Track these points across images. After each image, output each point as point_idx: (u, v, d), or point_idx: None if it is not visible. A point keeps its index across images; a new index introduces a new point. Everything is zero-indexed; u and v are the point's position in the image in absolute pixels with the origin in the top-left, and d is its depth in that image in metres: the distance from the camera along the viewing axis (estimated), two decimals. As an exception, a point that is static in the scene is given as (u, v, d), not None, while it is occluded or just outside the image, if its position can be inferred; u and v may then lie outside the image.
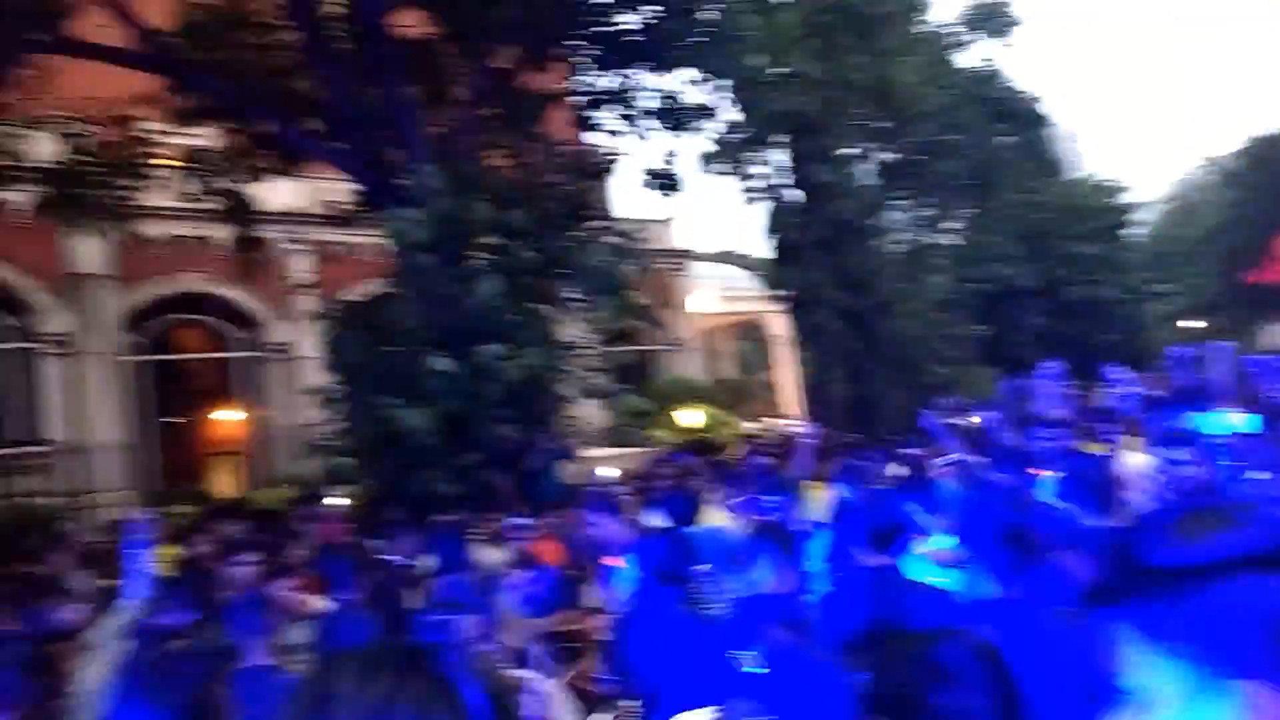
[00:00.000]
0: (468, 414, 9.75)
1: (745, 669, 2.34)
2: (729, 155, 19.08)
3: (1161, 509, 1.49)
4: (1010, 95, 25.77)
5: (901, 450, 7.69)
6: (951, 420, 8.29)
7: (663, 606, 3.26)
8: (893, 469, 6.15)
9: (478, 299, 9.83)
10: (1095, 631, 1.01)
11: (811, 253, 18.82)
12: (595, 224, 11.80)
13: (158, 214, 14.49)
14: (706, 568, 3.34)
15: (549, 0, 10.77)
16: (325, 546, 6.50)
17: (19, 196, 12.69)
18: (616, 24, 11.67)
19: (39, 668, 2.98)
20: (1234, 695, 0.92)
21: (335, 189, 15.03)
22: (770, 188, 19.83)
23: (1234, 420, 6.56)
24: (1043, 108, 27.72)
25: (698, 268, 25.43)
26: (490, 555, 5.88)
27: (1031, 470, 5.16)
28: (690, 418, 19.06)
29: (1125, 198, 29.25)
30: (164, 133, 11.98)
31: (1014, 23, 23.22)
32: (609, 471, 10.68)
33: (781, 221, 19.71)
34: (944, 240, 23.83)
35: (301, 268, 17.10)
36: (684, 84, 12.50)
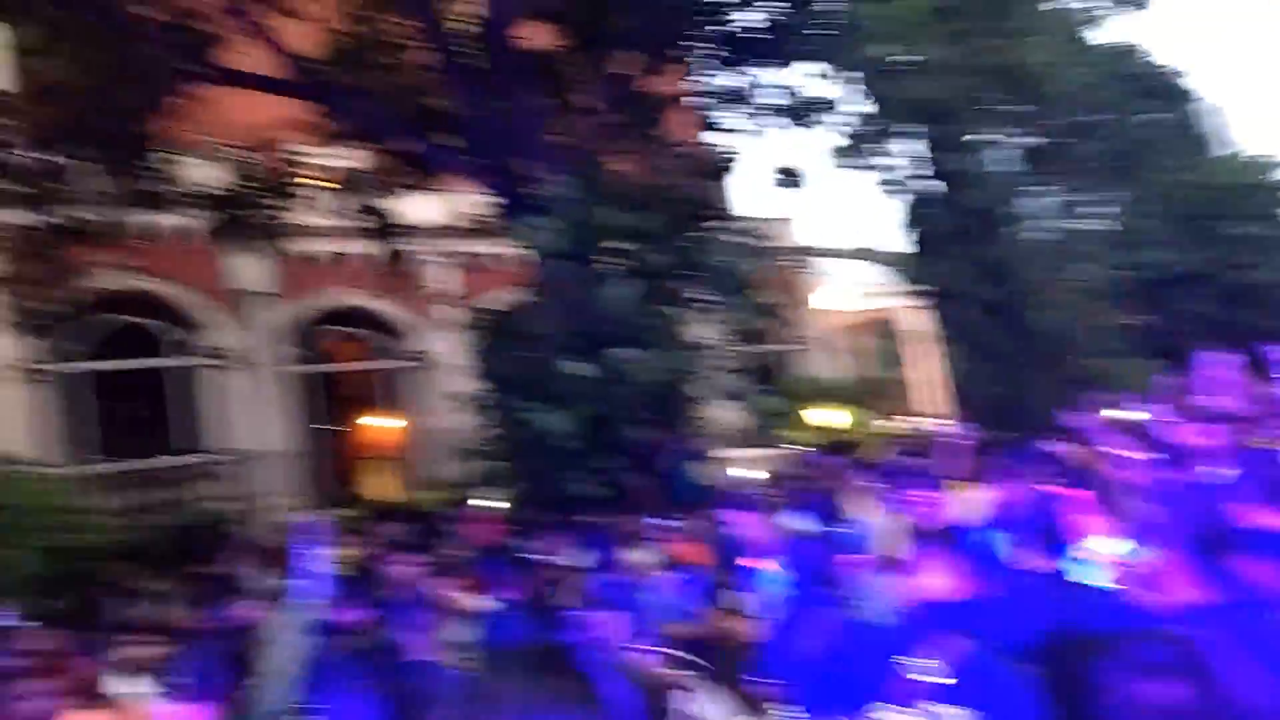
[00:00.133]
0: (605, 417, 9.92)
1: (921, 676, 2.31)
2: (861, 148, 18.73)
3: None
4: (1151, 71, 24.30)
5: (1056, 448, 7.38)
6: (1110, 415, 7.89)
7: (817, 609, 3.24)
8: (1050, 467, 5.91)
9: (609, 303, 9.99)
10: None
11: (952, 244, 18.27)
12: (718, 224, 11.82)
13: (312, 232, 15.40)
14: (861, 570, 3.30)
15: (669, 4, 10.86)
16: (481, 547, 6.74)
17: (183, 220, 13.66)
18: (736, 22, 11.67)
19: (230, 660, 3.22)
20: None
21: (475, 201, 15.58)
22: (907, 179, 19.36)
23: None
24: (1186, 82, 26.04)
25: (826, 265, 25.05)
26: (635, 556, 5.96)
27: (1202, 467, 4.88)
28: (828, 417, 18.79)
29: (1278, 174, 27.11)
30: (316, 155, 12.68)
31: (1149, -6, 21.88)
32: (747, 472, 10.66)
33: (920, 213, 19.21)
34: (1092, 226, 22.68)
35: (445, 279, 17.79)
36: (810, 78, 12.40)
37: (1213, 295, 23.10)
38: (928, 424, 18.82)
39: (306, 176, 12.66)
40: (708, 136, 13.04)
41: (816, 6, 11.27)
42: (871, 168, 19.29)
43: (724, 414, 13.57)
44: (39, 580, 7.48)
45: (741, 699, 3.44)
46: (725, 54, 11.94)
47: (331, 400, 17.55)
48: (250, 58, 10.85)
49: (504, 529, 7.97)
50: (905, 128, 18.96)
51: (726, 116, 12.47)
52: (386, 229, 13.40)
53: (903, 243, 20.41)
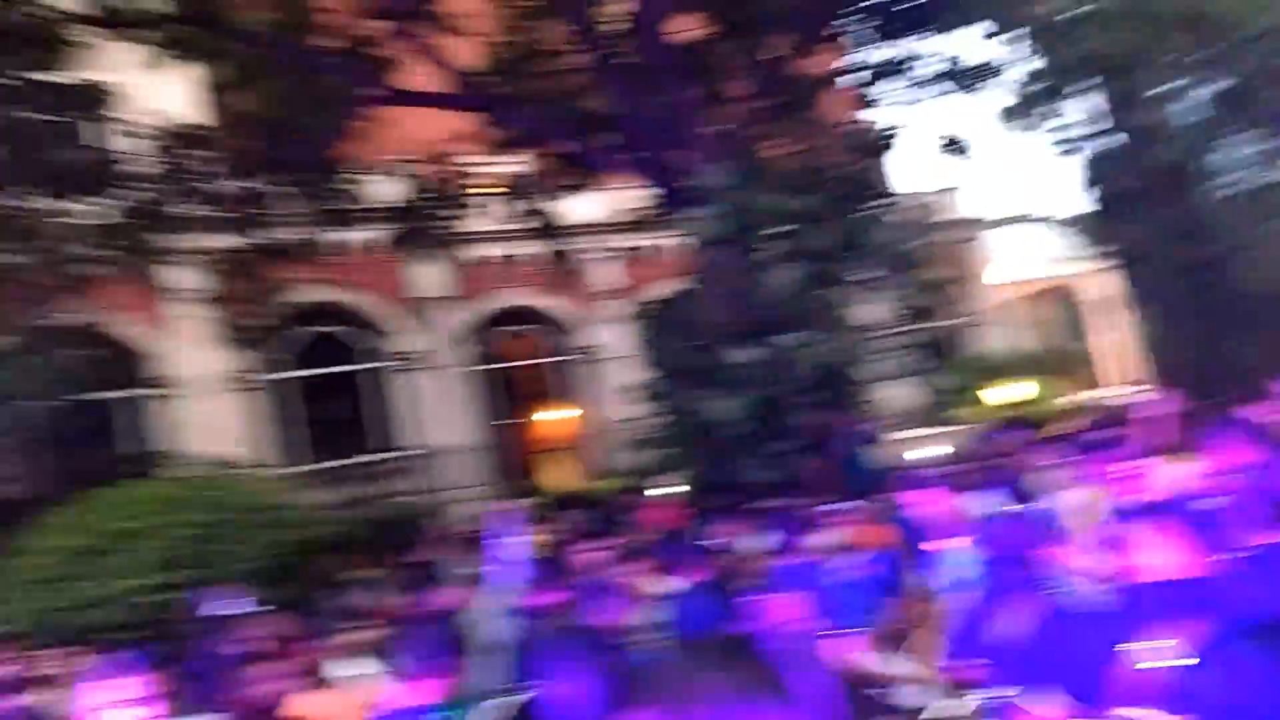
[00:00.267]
0: (774, 402, 9.91)
1: (1154, 662, 2.22)
2: (1031, 108, 17.77)
3: None
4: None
5: (1265, 414, 6.82)
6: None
7: (1016, 591, 3.15)
8: (1261, 435, 5.47)
9: (772, 288, 9.96)
10: None
11: (1138, 203, 17.09)
12: (880, 201, 11.55)
13: (484, 238, 16.13)
14: (1062, 549, 3.18)
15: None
16: (661, 533, 6.89)
17: (368, 234, 14.60)
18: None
19: (442, 642, 3.44)
20: None
21: (635, 196, 15.87)
22: (1083, 137, 18.23)
23: None
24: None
25: (998, 235, 23.96)
26: (816, 541, 5.95)
27: None
28: (1009, 392, 18.02)
29: None
30: (485, 164, 13.24)
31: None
32: (925, 452, 10.40)
33: (1100, 173, 18.05)
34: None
35: (609, 274, 18.23)
36: (976, 40, 11.90)
37: None
38: (1119, 394, 17.73)
39: (477, 185, 13.24)
40: (865, 113, 12.77)
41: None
42: (1043, 129, 18.27)
43: (897, 394, 13.27)
44: (263, 572, 8.20)
45: (942, 684, 3.39)
46: (880, 26, 11.64)
47: (509, 396, 18.31)
48: (420, 77, 11.44)
49: (682, 515, 8.11)
50: (1079, 84, 17.84)
51: (884, 91, 12.17)
52: (552, 229, 13.84)
53: (1082, 205, 19.25)
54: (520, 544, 5.30)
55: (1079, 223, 20.83)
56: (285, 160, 10.45)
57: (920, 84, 11.96)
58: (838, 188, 11.14)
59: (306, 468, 15.11)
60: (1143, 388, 16.98)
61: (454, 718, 2.99)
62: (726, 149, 10.81)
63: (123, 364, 14.34)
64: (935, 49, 11.89)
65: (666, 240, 16.44)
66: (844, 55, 12.42)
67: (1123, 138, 17.65)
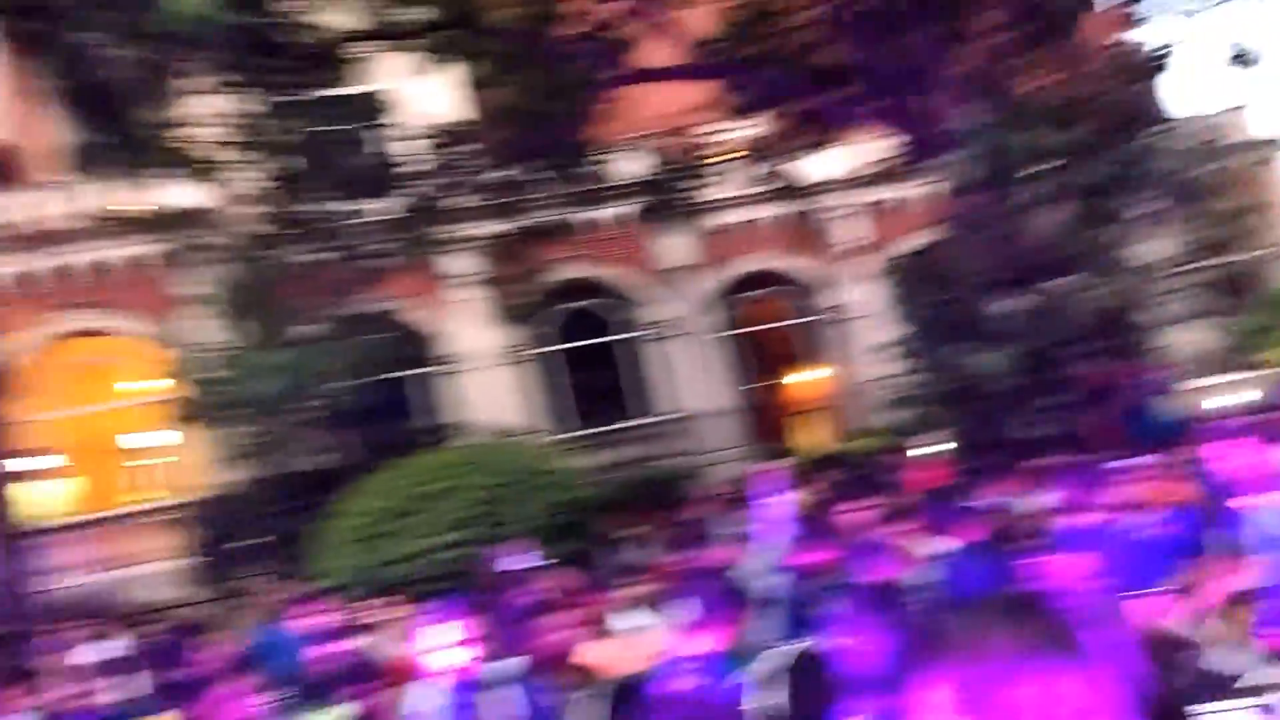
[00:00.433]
0: (1044, 353, 9.35)
1: None
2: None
3: None
4: None
5: None
6: None
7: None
8: None
9: (1037, 231, 9.36)
10: None
11: None
12: (1157, 128, 10.48)
13: (727, 204, 16.29)
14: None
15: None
16: (927, 493, 6.75)
17: (615, 211, 15.16)
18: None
19: (716, 596, 3.59)
20: None
21: (880, 148, 15.38)
22: None
23: None
24: None
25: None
26: (1104, 498, 5.60)
27: None
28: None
29: None
30: (724, 131, 13.34)
31: None
32: (1229, 399, 9.43)
33: None
34: None
35: (854, 230, 17.82)
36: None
37: None
38: None
39: (717, 152, 13.38)
40: (1133, 33, 11.60)
41: None
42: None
43: (1189, 339, 12.08)
44: (544, 530, 8.85)
45: (1258, 650, 3.14)
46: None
47: (760, 359, 18.44)
48: (657, 52, 11.69)
49: (947, 474, 7.89)
50: None
51: (1154, 4, 11.01)
52: (795, 190, 13.73)
53: None
54: (784, 503, 5.39)
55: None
56: (540, 147, 11.06)
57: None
58: (1106, 118, 10.24)
59: (572, 434, 16.05)
60: None
61: (733, 667, 3.14)
62: (977, 88, 10.23)
63: (414, 345, 15.92)
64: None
65: (915, 191, 15.83)
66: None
67: None
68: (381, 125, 11.68)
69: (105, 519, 15.30)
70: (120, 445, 16.95)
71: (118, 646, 7.84)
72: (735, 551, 5.62)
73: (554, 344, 17.22)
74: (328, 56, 9.84)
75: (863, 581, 3.86)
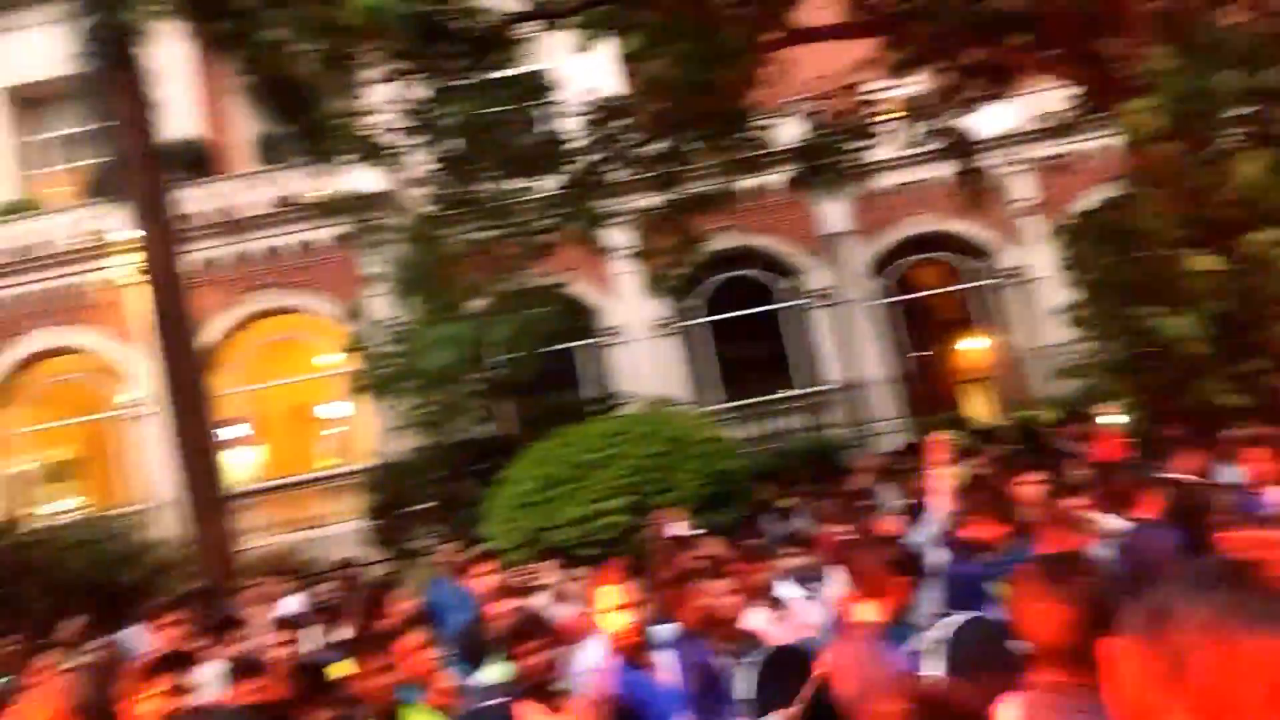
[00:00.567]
0: (1239, 316, 8.62)
1: None
2: None
3: None
4: None
5: None
6: None
7: None
8: None
9: (1235, 181, 8.58)
10: None
11: None
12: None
13: (887, 166, 15.77)
14: None
15: None
16: (1106, 465, 6.40)
17: (773, 177, 14.94)
18: None
19: (882, 568, 3.53)
20: None
21: (1049, 100, 14.51)
22: None
23: None
24: None
25: None
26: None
27: None
28: None
29: None
30: (885, 88, 12.89)
31: None
32: None
33: None
34: None
35: (1025, 188, 16.92)
36: None
37: None
38: None
39: (879, 112, 12.96)
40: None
41: None
42: None
43: None
44: (703, 498, 8.95)
45: None
46: None
47: (924, 326, 17.87)
48: (816, 11, 11.41)
49: (1128, 445, 7.43)
50: None
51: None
52: (962, 147, 13.13)
53: None
54: (951, 474, 5.23)
55: None
56: (698, 116, 11.04)
57: None
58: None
59: (727, 404, 16.07)
60: None
61: (900, 638, 3.09)
62: (1170, 26, 9.44)
63: (578, 317, 16.35)
64: None
65: (1092, 144, 14.85)
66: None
67: None
68: (544, 104, 11.95)
69: (294, 483, 16.53)
70: (308, 415, 18.24)
71: (307, 600, 8.48)
72: (899, 522, 5.51)
73: (707, 314, 17.25)
74: (494, 39, 10.14)
75: (1039, 554, 3.70)
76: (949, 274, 18.07)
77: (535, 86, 11.58)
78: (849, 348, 16.83)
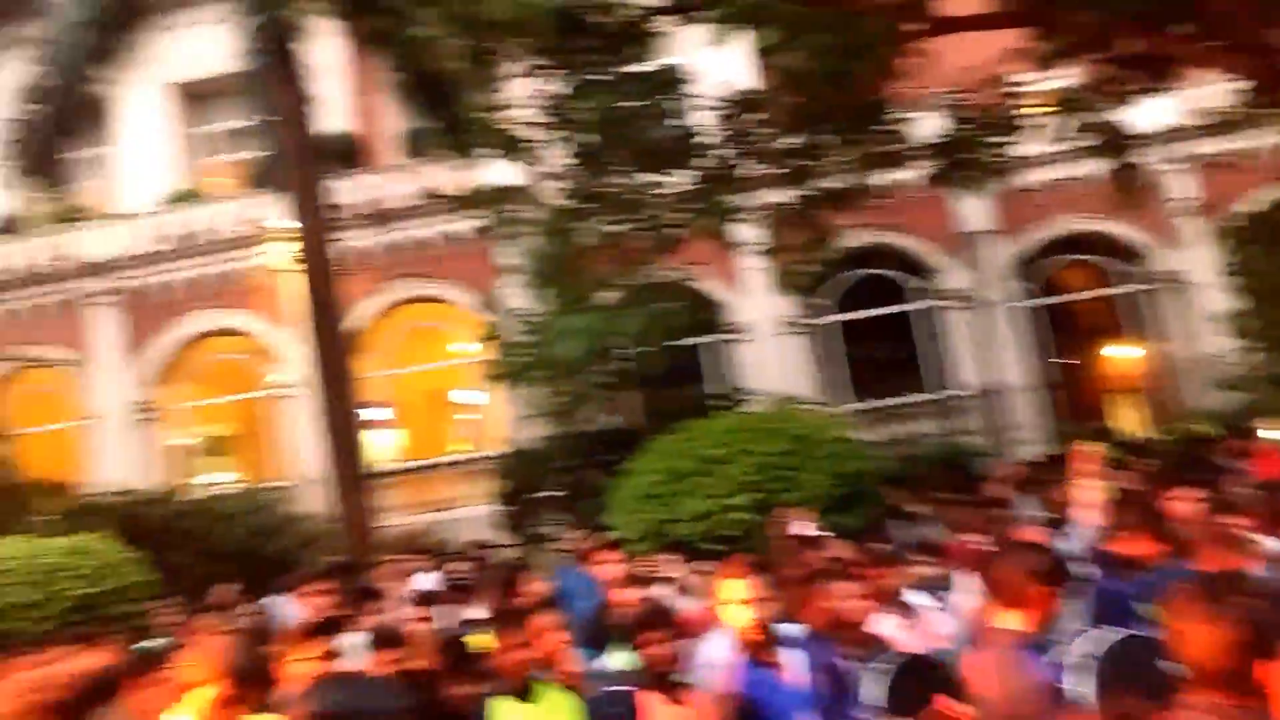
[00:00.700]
0: None
1: None
2: None
3: None
4: None
5: None
6: None
7: None
8: None
9: None
10: None
11: None
12: None
13: (1032, 162, 15.09)
14: None
15: None
16: (1269, 484, 5.98)
17: (910, 174, 14.51)
18: None
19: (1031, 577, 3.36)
20: None
21: (1213, 94, 13.61)
22: None
23: None
24: None
25: None
26: None
27: None
28: None
29: None
30: (1031, 82, 12.34)
31: None
32: None
33: None
34: None
35: (1184, 187, 15.92)
36: None
37: None
38: None
39: (1025, 105, 12.42)
40: None
41: None
42: None
43: None
44: (829, 499, 8.80)
45: None
46: None
47: (1070, 331, 17.08)
48: (963, 1, 11.02)
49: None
50: None
51: None
52: (1116, 143, 12.44)
53: None
54: (1099, 487, 4.99)
55: None
56: (834, 110, 10.84)
57: None
58: None
59: (855, 406, 15.76)
60: None
61: (1043, 650, 2.97)
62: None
63: (706, 312, 16.36)
64: None
65: (1258, 141, 13.86)
66: None
67: None
68: (678, 98, 11.98)
69: (429, 466, 17.16)
70: (444, 400, 18.90)
71: (440, 578, 8.80)
72: (1041, 533, 5.28)
73: (837, 313, 16.95)
74: (630, 34, 10.22)
75: (1196, 572, 3.49)
76: (1099, 277, 17.19)
77: (669, 81, 11.61)
78: (987, 352, 16.23)
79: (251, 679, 3.37)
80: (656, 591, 6.18)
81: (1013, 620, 3.10)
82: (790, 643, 4.29)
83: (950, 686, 3.24)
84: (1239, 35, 9.80)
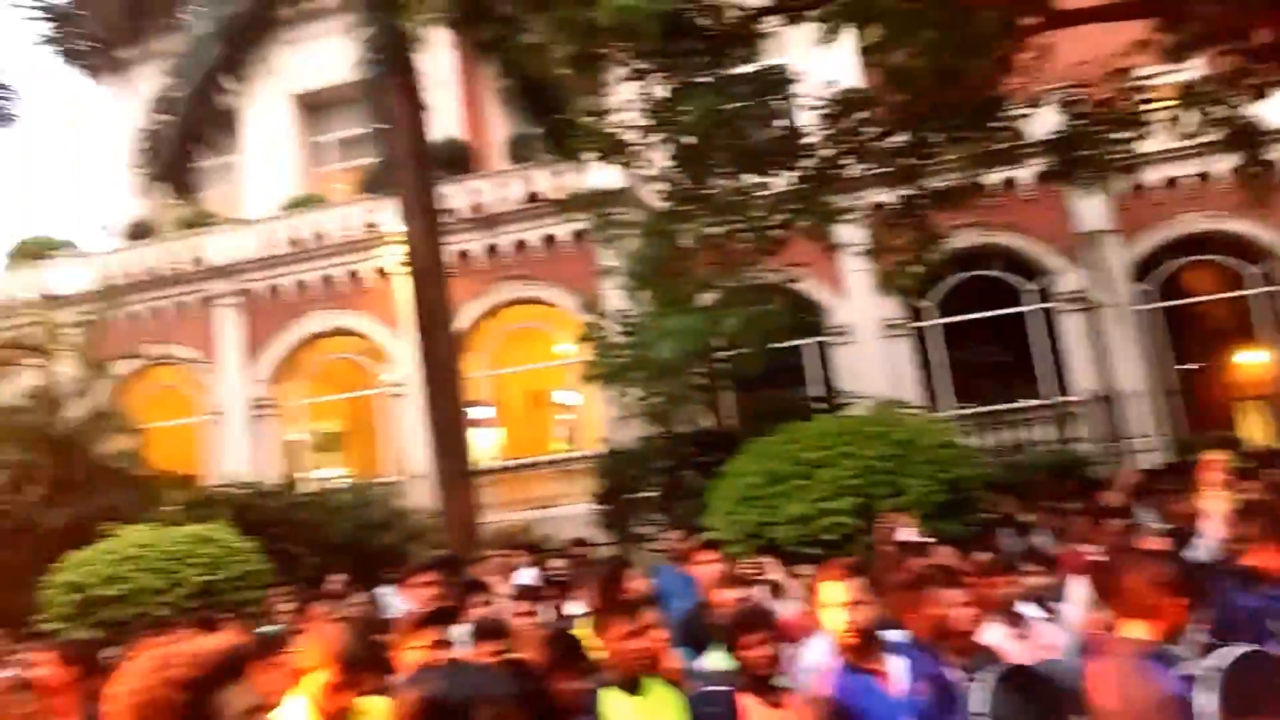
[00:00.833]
0: None
1: None
2: None
3: None
4: None
5: None
6: None
7: None
8: None
9: None
10: None
11: None
12: None
13: (1153, 159, 14.42)
14: None
15: None
16: None
17: (1025, 172, 14.04)
18: None
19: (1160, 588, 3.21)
20: None
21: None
22: None
23: None
24: None
25: None
26: None
27: None
28: None
29: None
30: (1154, 75, 11.79)
31: None
32: None
33: None
34: None
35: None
36: None
37: None
38: None
39: (1147, 100, 11.88)
40: None
41: None
42: None
43: None
44: (933, 505, 8.57)
45: None
46: None
47: (1192, 336, 16.25)
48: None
49: None
50: None
51: None
52: (1246, 138, 11.78)
53: None
54: (1227, 497, 4.73)
55: None
56: (944, 107, 10.58)
57: None
58: None
59: (961, 410, 15.33)
60: None
61: (1166, 663, 2.83)
62: None
63: (808, 314, 16.19)
64: None
65: None
66: None
67: None
68: (782, 98, 11.89)
69: (529, 464, 17.45)
70: (545, 400, 19.20)
71: (540, 574, 8.93)
72: (1165, 543, 5.04)
73: (940, 315, 16.52)
74: (735, 35, 10.19)
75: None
76: (1226, 279, 16.31)
77: (774, 81, 11.53)
78: (1103, 356, 15.57)
79: (362, 666, 3.49)
80: (755, 593, 6.14)
81: (1138, 630, 2.97)
82: (894, 649, 4.20)
83: (1056, 698, 3.12)
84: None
